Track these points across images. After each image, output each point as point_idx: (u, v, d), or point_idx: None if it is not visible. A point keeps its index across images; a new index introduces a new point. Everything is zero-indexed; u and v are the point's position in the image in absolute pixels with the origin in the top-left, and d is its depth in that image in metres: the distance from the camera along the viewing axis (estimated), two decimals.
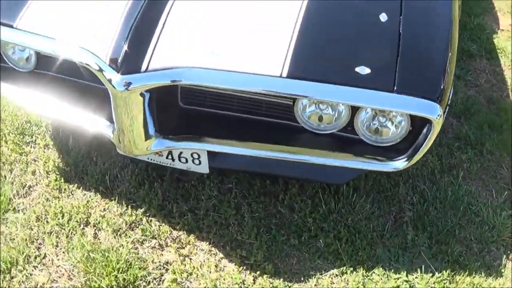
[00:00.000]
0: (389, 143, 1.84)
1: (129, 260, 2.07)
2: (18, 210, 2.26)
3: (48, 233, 2.18)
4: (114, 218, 2.22)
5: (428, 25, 1.87)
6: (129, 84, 1.68)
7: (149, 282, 2.03)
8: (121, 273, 2.01)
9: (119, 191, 2.32)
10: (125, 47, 1.72)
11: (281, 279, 2.04)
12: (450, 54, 1.80)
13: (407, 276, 2.05)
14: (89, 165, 2.43)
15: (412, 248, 2.14)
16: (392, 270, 2.07)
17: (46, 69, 2.11)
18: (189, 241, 2.16)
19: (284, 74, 1.68)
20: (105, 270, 2.01)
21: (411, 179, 2.39)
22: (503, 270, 2.09)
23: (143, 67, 1.70)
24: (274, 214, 2.25)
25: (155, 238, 2.17)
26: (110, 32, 1.78)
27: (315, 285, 2.04)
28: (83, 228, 2.20)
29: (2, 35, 1.88)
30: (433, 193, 2.31)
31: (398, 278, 2.04)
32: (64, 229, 2.18)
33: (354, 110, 1.80)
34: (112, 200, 2.29)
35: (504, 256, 2.13)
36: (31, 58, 2.10)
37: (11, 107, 2.70)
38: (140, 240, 2.16)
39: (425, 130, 1.74)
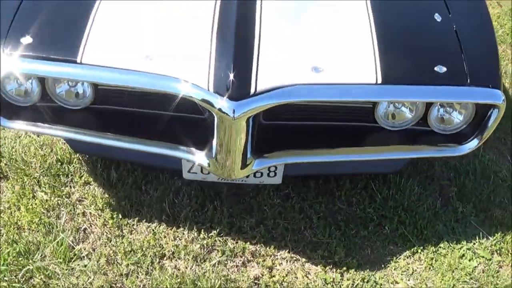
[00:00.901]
0: (456, 130, 2.06)
1: (221, 284, 2.11)
2: (83, 257, 2.18)
3: (125, 274, 2.13)
4: (188, 245, 2.23)
5: (474, 21, 2.11)
6: (242, 109, 1.71)
7: None
8: None
9: (183, 216, 2.32)
10: (229, 71, 1.73)
11: (365, 270, 2.21)
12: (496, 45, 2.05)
13: (467, 244, 2.32)
14: (141, 195, 2.39)
15: (463, 219, 2.42)
16: (454, 242, 2.33)
17: (105, 103, 2.04)
18: (268, 253, 2.24)
19: (379, 81, 1.82)
20: None
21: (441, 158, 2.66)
22: None
23: (252, 90, 1.73)
24: (337, 211, 2.41)
25: (236, 257, 2.22)
26: (204, 54, 1.78)
27: (394, 269, 2.23)
28: (160, 261, 2.18)
29: (72, 74, 1.80)
30: (464, 167, 2.60)
31: (461, 248, 2.31)
32: (141, 267, 2.15)
33: (428, 105, 2.00)
34: (179, 227, 2.29)
35: None
36: (85, 93, 2.00)
37: (32, 148, 2.54)
38: (223, 262, 2.20)
39: (490, 113, 1.97)
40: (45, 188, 2.39)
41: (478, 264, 2.26)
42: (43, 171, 2.45)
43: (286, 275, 2.18)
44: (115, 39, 1.85)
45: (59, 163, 2.49)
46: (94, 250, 2.21)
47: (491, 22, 2.11)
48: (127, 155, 2.22)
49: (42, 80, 1.96)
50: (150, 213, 2.33)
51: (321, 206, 2.41)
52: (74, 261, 2.16)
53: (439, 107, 2.01)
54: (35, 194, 2.37)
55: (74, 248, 2.20)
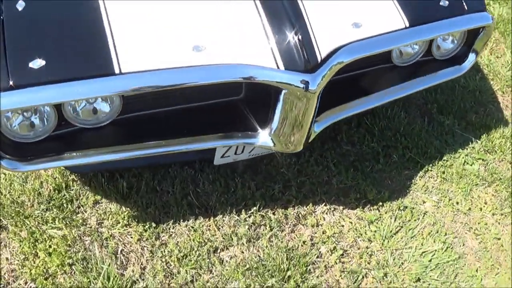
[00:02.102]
0: (454, 53, 2.28)
1: (287, 256, 2.14)
2: (137, 280, 2.03)
3: (190, 281, 2.05)
4: (235, 230, 2.20)
5: None
6: (318, 79, 1.69)
7: (318, 258, 2.18)
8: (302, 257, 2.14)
9: (213, 203, 2.26)
10: (293, 45, 1.68)
11: (395, 200, 2.41)
12: None
13: (463, 151, 2.63)
14: (161, 197, 2.26)
15: (450, 130, 2.73)
16: (453, 152, 2.64)
17: (130, 111, 1.86)
18: (308, 211, 2.31)
19: (407, 25, 1.93)
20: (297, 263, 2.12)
21: None
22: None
23: (318, 58, 1.71)
24: (346, 153, 2.54)
25: (283, 225, 2.25)
26: (259, 33, 1.71)
27: (416, 191, 2.47)
28: (216, 256, 2.13)
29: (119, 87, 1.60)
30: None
31: (459, 156, 2.63)
32: (201, 268, 2.08)
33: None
34: (216, 215, 2.24)
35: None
36: (113, 105, 1.80)
37: (15, 185, 2.22)
38: (274, 235, 2.21)
39: (481, 32, 2.21)
40: (55, 223, 2.13)
41: (479, 166, 2.59)
42: (44, 205, 2.17)
43: (333, 226, 2.29)
44: (147, 38, 1.66)
45: (57, 192, 2.22)
46: (144, 269, 2.07)
47: None
48: (144, 160, 2.08)
49: (56, 106, 1.71)
50: (181, 211, 2.22)
51: (331, 153, 2.51)
52: None
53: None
54: (48, 233, 2.10)
55: (123, 276, 2.03)
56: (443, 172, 2.54)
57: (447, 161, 2.58)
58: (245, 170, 2.39)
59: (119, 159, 1.81)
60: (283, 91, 1.73)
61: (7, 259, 2.04)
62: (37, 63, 1.56)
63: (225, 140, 1.87)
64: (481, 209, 2.45)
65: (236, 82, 1.75)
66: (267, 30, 1.72)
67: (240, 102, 1.96)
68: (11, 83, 1.53)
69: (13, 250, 2.07)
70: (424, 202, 2.43)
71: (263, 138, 1.87)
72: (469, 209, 2.44)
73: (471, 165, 2.58)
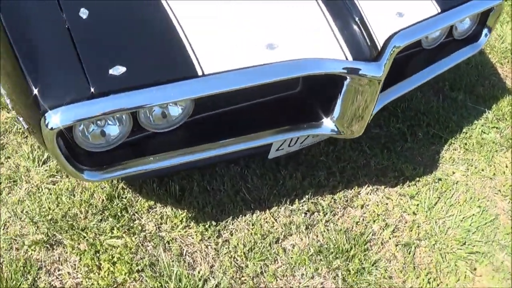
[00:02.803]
0: (470, 31, 2.46)
1: (347, 238, 2.25)
2: (208, 279, 2.06)
3: (260, 273, 2.10)
4: (292, 219, 2.28)
5: None
6: (382, 67, 1.80)
7: (373, 236, 2.30)
8: (359, 237, 2.24)
9: (265, 196, 2.34)
10: (358, 37, 1.79)
11: (429, 174, 2.57)
12: None
13: (478, 122, 2.83)
14: (215, 195, 2.31)
15: (463, 104, 2.92)
16: (470, 124, 2.84)
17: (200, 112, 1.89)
18: (354, 194, 2.43)
19: (439, 11, 2.07)
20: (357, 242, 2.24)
21: None
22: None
23: (379, 46, 1.82)
24: (376, 136, 2.68)
25: (335, 209, 2.35)
26: (325, 29, 1.80)
27: (445, 163, 2.63)
28: (279, 245, 2.20)
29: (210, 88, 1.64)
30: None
31: (475, 127, 2.82)
32: (268, 258, 2.15)
33: None
34: (271, 207, 2.31)
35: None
36: (185, 108, 1.84)
37: (63, 198, 2.20)
38: (329, 219, 2.31)
39: (492, 12, 2.39)
40: (114, 232, 2.13)
41: (495, 134, 2.79)
42: (98, 216, 2.16)
43: (379, 205, 2.41)
44: (220, 38, 1.71)
45: (109, 201, 2.21)
46: (212, 267, 2.11)
47: None
48: (197, 161, 2.12)
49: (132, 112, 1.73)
50: (236, 207, 2.28)
51: (363, 137, 2.61)
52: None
53: None
54: (108, 243, 2.10)
55: (194, 276, 2.06)
56: (465, 144, 2.72)
57: (466, 133, 2.77)
58: (288, 162, 2.47)
59: (192, 161, 1.84)
60: (347, 80, 1.83)
61: (69, 273, 2.03)
62: (118, 70, 1.58)
63: (293, 132, 1.95)
64: (504, 172, 2.64)
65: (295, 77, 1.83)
66: (331, 24, 1.82)
67: (298, 96, 2.04)
68: (92, 90, 1.54)
69: (74, 264, 2.06)
70: (453, 172, 2.60)
71: (328, 126, 1.96)
72: (494, 174, 2.63)
73: (487, 134, 2.78)
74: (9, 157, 2.40)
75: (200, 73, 1.63)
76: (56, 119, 1.50)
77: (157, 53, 1.65)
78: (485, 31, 2.46)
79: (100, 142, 1.74)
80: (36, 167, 2.34)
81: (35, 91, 1.53)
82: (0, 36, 1.67)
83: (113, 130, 1.74)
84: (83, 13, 1.68)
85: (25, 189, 2.27)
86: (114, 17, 1.71)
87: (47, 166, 2.35)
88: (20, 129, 2.51)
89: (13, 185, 2.29)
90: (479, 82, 3.06)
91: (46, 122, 1.51)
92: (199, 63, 1.64)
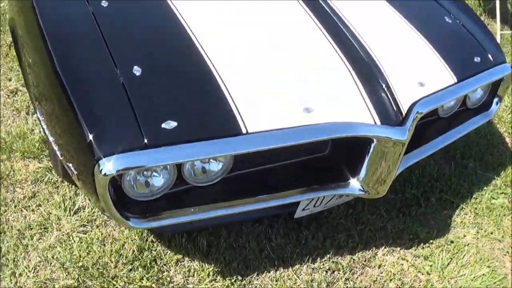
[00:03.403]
0: (483, 100, 2.66)
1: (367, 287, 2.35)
2: None
3: None
4: (313, 276, 2.38)
5: (468, 16, 2.68)
6: (407, 131, 1.97)
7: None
8: None
9: (288, 255, 2.44)
10: (386, 102, 1.98)
11: (441, 237, 2.69)
12: None
13: (488, 188, 2.99)
14: (240, 252, 2.41)
15: (473, 172, 3.09)
16: (479, 190, 2.98)
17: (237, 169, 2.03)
18: (372, 254, 2.54)
19: (456, 80, 2.27)
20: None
21: None
22: None
23: (403, 112, 2.00)
24: (392, 201, 2.81)
25: (354, 268, 2.46)
26: (356, 95, 1.99)
27: (456, 227, 2.76)
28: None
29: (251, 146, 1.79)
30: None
31: (485, 193, 2.96)
32: None
33: None
34: (294, 265, 2.41)
35: None
36: (225, 164, 1.97)
37: (94, 247, 2.31)
38: (349, 278, 2.41)
39: (502, 82, 2.58)
40: (143, 282, 2.21)
41: (503, 199, 2.95)
42: (129, 266, 2.26)
43: (394, 265, 2.51)
44: (263, 98, 1.89)
45: (139, 252, 2.31)
46: None
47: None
48: (230, 217, 2.22)
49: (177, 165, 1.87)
50: (261, 264, 2.38)
51: (380, 201, 2.76)
52: None
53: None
54: None
55: None
56: (475, 208, 2.87)
57: (476, 198, 2.92)
58: (310, 223, 2.59)
59: (227, 214, 1.97)
60: (374, 142, 1.99)
61: None
62: (170, 124, 1.74)
63: (322, 191, 2.09)
64: None
65: (324, 140, 2.00)
66: (361, 90, 2.02)
67: (326, 158, 2.19)
68: (145, 141, 1.69)
69: None
70: (464, 235, 2.73)
71: (355, 186, 2.11)
72: (502, 236, 2.77)
73: (496, 199, 2.94)
74: (40, 205, 2.51)
75: (244, 131, 1.79)
76: (110, 166, 1.64)
77: (205, 110, 1.83)
78: (496, 100, 2.66)
79: (145, 192, 1.86)
80: (67, 216, 2.45)
81: (90, 137, 1.68)
82: (56, 84, 1.84)
83: (158, 181, 1.87)
84: (136, 70, 1.86)
85: (56, 236, 2.37)
86: (164, 74, 1.91)
87: (78, 216, 2.46)
88: (51, 179, 2.64)
89: (44, 231, 2.39)
90: (489, 151, 3.24)
91: (100, 168, 1.64)
92: (243, 121, 1.81)
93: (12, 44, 3.79)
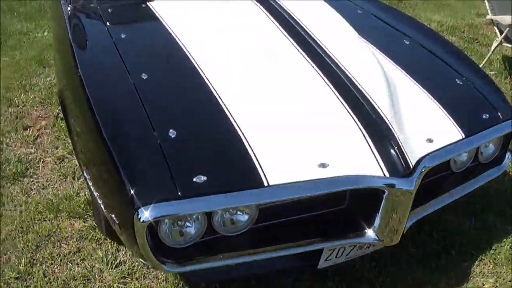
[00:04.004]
0: (494, 155, 2.85)
1: None
2: None
3: None
4: None
5: (478, 77, 2.93)
6: (414, 182, 2.18)
7: None
8: None
9: None
10: (394, 156, 2.20)
11: (461, 286, 2.83)
12: None
13: (508, 240, 3.11)
14: None
15: (492, 225, 3.24)
16: (499, 241, 3.11)
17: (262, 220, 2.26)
18: None
19: (464, 136, 2.49)
20: None
21: None
22: None
23: (410, 164, 2.21)
24: (413, 254, 2.98)
25: None
26: (364, 148, 2.23)
27: (475, 277, 2.88)
28: None
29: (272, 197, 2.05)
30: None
31: (504, 243, 3.09)
32: None
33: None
34: None
35: None
36: (250, 215, 2.18)
37: None
38: None
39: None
40: None
41: None
42: None
43: None
44: (282, 155, 2.16)
45: None
46: None
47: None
48: (258, 267, 2.43)
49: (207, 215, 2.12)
50: None
51: (402, 254, 2.93)
52: None
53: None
54: None
55: None
56: (494, 259, 3.00)
57: (495, 250, 3.05)
58: (334, 275, 2.77)
59: (253, 261, 2.19)
60: (386, 194, 2.21)
61: None
62: (200, 179, 2.02)
63: (341, 240, 2.30)
64: None
65: (342, 193, 2.26)
66: (371, 147, 2.26)
67: (344, 211, 2.41)
68: (179, 193, 1.96)
69: None
70: (483, 284, 2.86)
71: (370, 235, 2.31)
72: None
73: None
74: (84, 259, 2.79)
75: (265, 183, 2.05)
76: (147, 213, 1.91)
77: (231, 165, 2.12)
78: (507, 154, 2.85)
79: (179, 240, 2.11)
80: (109, 269, 2.71)
81: (132, 192, 1.96)
82: (103, 148, 2.16)
83: (191, 230, 2.12)
84: (172, 133, 2.18)
85: (98, 286, 2.62)
86: (195, 136, 2.23)
87: (119, 269, 2.72)
88: (95, 236, 2.92)
89: (87, 282, 2.65)
90: (508, 205, 3.39)
91: (139, 216, 1.92)
92: (264, 175, 2.07)
93: (58, 115, 4.23)
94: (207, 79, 2.54)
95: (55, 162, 3.67)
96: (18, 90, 4.74)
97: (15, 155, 3.72)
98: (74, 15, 3.33)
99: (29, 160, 3.69)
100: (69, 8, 3.42)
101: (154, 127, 2.19)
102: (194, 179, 2.01)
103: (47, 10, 7.21)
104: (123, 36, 2.90)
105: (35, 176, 3.54)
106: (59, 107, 4.32)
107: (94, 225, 3.00)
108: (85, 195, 3.26)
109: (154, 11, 3.23)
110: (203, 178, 2.02)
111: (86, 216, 3.09)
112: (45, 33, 6.10)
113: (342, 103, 2.43)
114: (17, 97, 4.60)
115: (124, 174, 2.03)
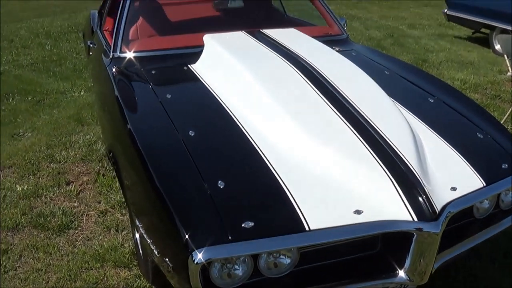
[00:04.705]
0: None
1: None
2: None
3: None
4: None
5: (493, 127, 3.22)
6: (440, 225, 2.41)
7: None
8: None
9: None
10: (421, 201, 2.43)
11: None
12: None
13: None
14: None
15: None
16: None
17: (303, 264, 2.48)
18: None
19: (485, 184, 2.72)
20: None
21: None
22: None
23: (436, 209, 2.44)
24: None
25: None
26: (393, 193, 2.47)
27: None
28: None
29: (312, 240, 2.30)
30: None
31: None
32: None
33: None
34: None
35: None
36: (292, 258, 2.38)
37: None
38: None
39: None
40: None
41: None
42: None
43: None
44: (320, 202, 2.43)
45: None
46: None
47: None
48: None
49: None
50: None
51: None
52: None
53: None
54: None
55: None
56: None
57: None
58: None
59: None
60: (415, 236, 2.44)
61: None
62: (248, 224, 2.27)
63: (376, 281, 2.52)
64: None
65: (375, 238, 2.51)
66: (401, 194, 2.49)
67: (377, 254, 2.63)
68: (229, 237, 2.22)
69: None
70: None
71: (402, 276, 2.52)
72: None
73: None
74: None
75: (307, 228, 2.30)
76: (201, 256, 2.16)
77: (275, 212, 2.38)
78: None
79: (227, 281, 2.34)
80: None
81: (186, 236, 2.22)
82: (156, 198, 2.45)
83: (238, 272, 2.35)
84: (220, 184, 2.46)
85: None
86: (242, 185, 2.51)
87: None
88: (141, 284, 3.17)
89: None
90: None
91: (193, 259, 2.17)
92: (306, 220, 2.32)
93: (100, 172, 4.55)
94: (248, 133, 2.86)
95: (99, 216, 3.96)
96: (59, 147, 5.12)
97: (59, 208, 4.02)
98: (120, 76, 3.73)
99: (73, 213, 3.99)
100: (114, 70, 3.81)
101: (204, 179, 2.48)
102: (243, 225, 2.27)
103: (82, 70, 7.72)
104: (168, 96, 3.25)
105: (79, 228, 3.83)
106: (100, 164, 4.68)
107: (140, 274, 3.24)
108: (129, 246, 3.53)
109: (195, 73, 3.61)
110: (251, 223, 2.28)
111: (131, 266, 3.34)
112: (82, 93, 6.55)
113: (373, 155, 2.70)
114: (58, 153, 4.96)
115: (179, 221, 2.29)
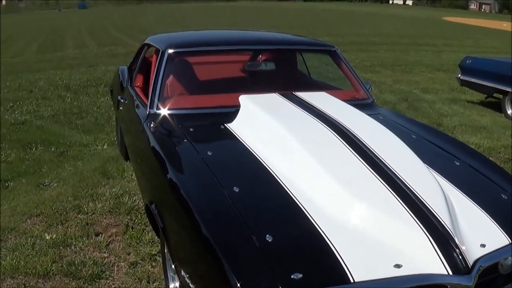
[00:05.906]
0: None
1: None
2: None
3: None
4: None
5: None
6: (472, 279, 2.62)
7: None
8: None
9: None
10: (455, 254, 2.65)
11: None
12: None
13: None
14: None
15: None
16: None
17: None
18: None
19: (510, 241, 2.94)
20: None
21: None
22: None
23: (468, 263, 2.66)
24: None
25: None
26: (432, 254, 2.68)
27: None
28: None
29: None
30: None
31: None
32: None
33: None
34: None
35: None
36: None
37: None
38: None
39: None
40: None
41: None
42: None
43: None
44: (362, 255, 2.64)
45: None
46: None
47: None
48: None
49: None
50: None
51: None
52: None
53: None
54: None
55: None
56: None
57: None
58: None
59: None
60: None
61: None
62: (298, 276, 2.47)
63: None
64: None
65: None
66: (436, 249, 2.70)
67: None
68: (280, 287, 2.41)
69: None
70: None
71: None
72: None
73: None
74: None
75: (351, 280, 2.51)
76: None
77: (321, 264, 2.58)
78: None
79: None
80: None
81: (239, 285, 2.41)
82: (200, 244, 2.69)
83: None
84: (268, 238, 2.67)
85: None
86: (288, 239, 2.72)
87: None
88: None
89: None
90: None
91: None
92: (350, 273, 2.53)
93: (128, 224, 4.77)
94: (288, 188, 3.10)
95: (129, 267, 4.14)
96: (86, 198, 5.35)
97: (90, 258, 4.21)
98: (159, 132, 4.01)
99: (104, 264, 4.17)
100: (152, 125, 4.11)
101: (253, 232, 2.70)
102: (292, 276, 2.47)
103: (104, 124, 8.06)
104: (209, 153, 3.52)
105: (111, 278, 4.00)
106: (128, 217, 4.90)
107: None
108: None
109: (233, 132, 3.89)
110: (300, 275, 2.48)
111: None
112: (105, 146, 6.85)
113: (410, 214, 2.93)
114: (85, 204, 5.19)
115: (230, 270, 2.49)
